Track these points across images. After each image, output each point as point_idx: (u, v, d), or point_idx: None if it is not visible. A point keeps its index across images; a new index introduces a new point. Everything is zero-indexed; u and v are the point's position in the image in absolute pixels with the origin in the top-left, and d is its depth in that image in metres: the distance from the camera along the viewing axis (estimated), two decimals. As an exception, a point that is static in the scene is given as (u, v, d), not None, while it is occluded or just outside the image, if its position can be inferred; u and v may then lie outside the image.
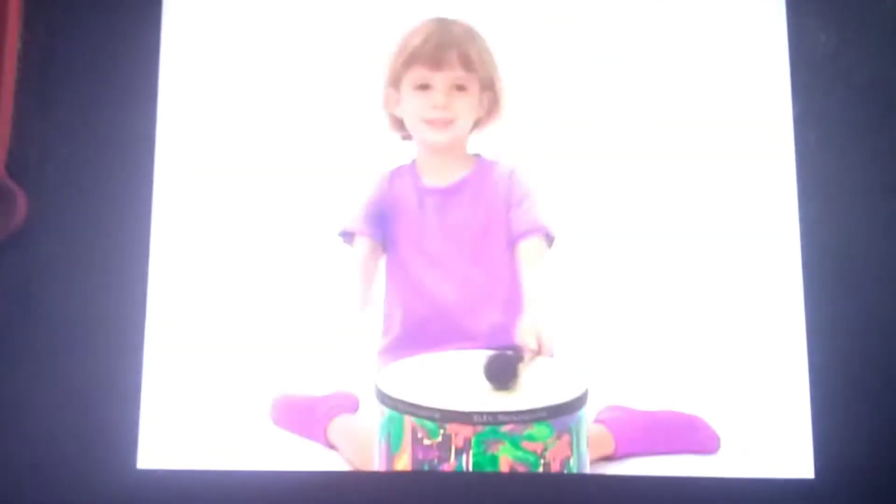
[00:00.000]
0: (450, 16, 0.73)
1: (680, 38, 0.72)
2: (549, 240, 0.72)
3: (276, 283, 0.73)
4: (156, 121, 0.73)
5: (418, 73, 0.71)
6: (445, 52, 0.71)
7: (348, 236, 0.74)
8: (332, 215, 0.74)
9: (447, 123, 0.71)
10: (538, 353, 0.65)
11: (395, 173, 0.75)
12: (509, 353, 0.64)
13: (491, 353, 0.64)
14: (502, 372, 0.62)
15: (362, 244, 0.73)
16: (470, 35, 0.72)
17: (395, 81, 0.73)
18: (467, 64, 0.71)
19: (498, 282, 0.72)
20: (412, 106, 0.71)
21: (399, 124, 0.74)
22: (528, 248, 0.72)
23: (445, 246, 0.72)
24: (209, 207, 0.74)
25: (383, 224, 0.73)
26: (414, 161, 0.75)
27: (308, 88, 0.75)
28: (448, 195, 0.73)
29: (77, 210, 0.71)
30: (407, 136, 0.75)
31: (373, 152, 0.75)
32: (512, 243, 0.72)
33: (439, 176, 0.74)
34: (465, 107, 0.72)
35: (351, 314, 0.72)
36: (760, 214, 0.69)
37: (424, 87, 0.71)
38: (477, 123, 0.74)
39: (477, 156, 0.75)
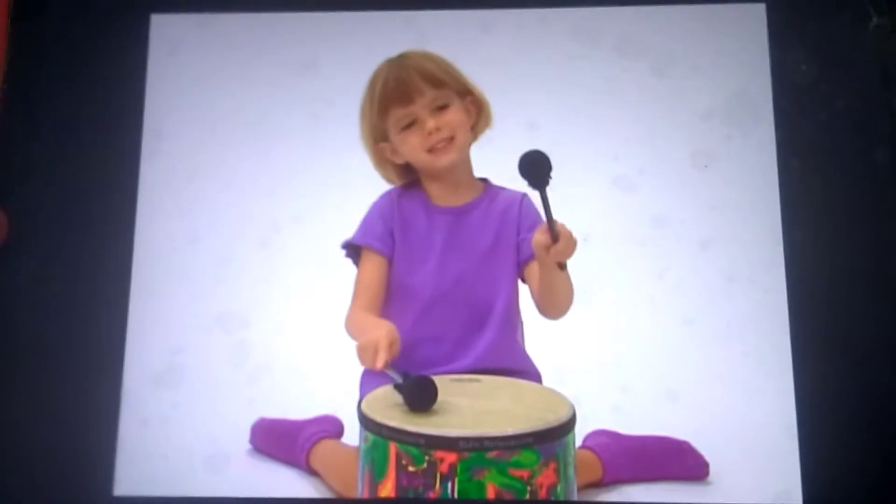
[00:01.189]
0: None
1: (665, 68, 0.73)
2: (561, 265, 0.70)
3: (258, 304, 0.72)
4: (140, 140, 0.72)
5: (397, 115, 0.70)
6: (409, 84, 0.70)
7: (353, 250, 0.72)
8: (321, 230, 0.73)
9: (448, 142, 0.70)
10: (557, 238, 0.62)
11: (405, 191, 0.74)
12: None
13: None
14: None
15: (369, 260, 0.71)
16: (424, 57, 0.71)
17: (381, 135, 0.72)
18: (435, 82, 0.70)
19: (497, 305, 0.71)
20: (409, 145, 0.70)
21: (403, 171, 0.73)
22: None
23: (450, 266, 0.71)
24: (192, 227, 0.73)
25: (391, 239, 0.72)
26: (420, 180, 0.74)
27: (297, 102, 0.75)
28: (458, 215, 0.72)
29: (59, 232, 0.70)
30: (414, 177, 0.74)
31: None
32: (520, 265, 0.71)
33: (449, 197, 0.73)
34: (456, 119, 0.71)
35: (354, 334, 0.69)
36: (745, 240, 0.69)
37: (410, 124, 0.70)
38: (473, 131, 0.73)
39: (484, 180, 0.74)
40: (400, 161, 0.73)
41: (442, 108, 0.71)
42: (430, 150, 0.70)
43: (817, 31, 0.70)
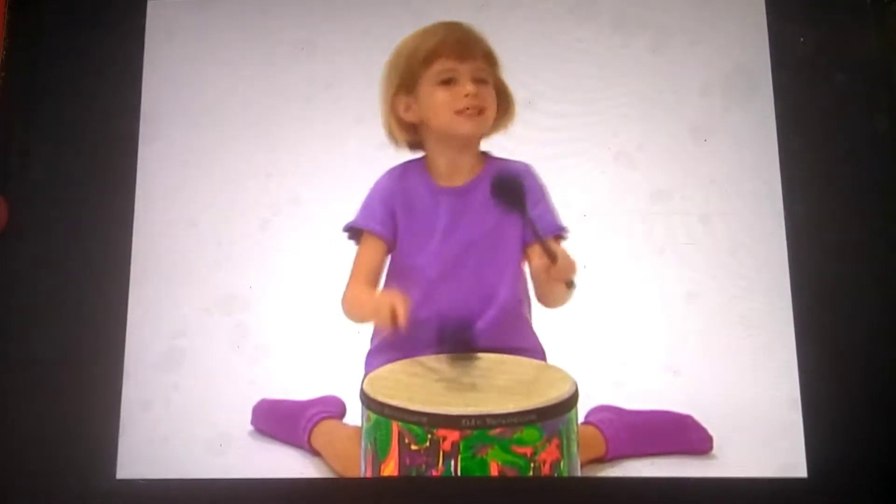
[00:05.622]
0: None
1: (662, 44, 0.70)
2: (559, 240, 0.68)
3: (257, 286, 0.69)
4: (139, 127, 0.70)
5: (442, 67, 0.67)
6: (469, 45, 0.68)
7: (354, 232, 0.69)
8: (319, 211, 0.70)
9: (479, 112, 0.68)
10: (555, 260, 0.61)
11: (406, 170, 0.70)
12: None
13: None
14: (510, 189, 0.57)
15: (369, 242, 0.68)
16: (483, 36, 0.69)
17: (408, 85, 0.68)
18: (488, 57, 0.68)
19: (500, 285, 0.68)
20: (440, 100, 0.67)
21: (409, 130, 0.70)
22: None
23: (455, 246, 0.68)
24: (191, 210, 0.70)
25: (393, 222, 0.68)
26: (422, 159, 0.71)
27: (294, 83, 0.72)
28: (461, 195, 0.69)
29: (59, 217, 0.67)
30: (414, 143, 0.71)
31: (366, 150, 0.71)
32: (523, 245, 0.68)
33: (452, 175, 0.70)
34: (490, 98, 0.68)
35: (353, 310, 0.67)
36: (746, 214, 0.66)
37: (449, 80, 0.67)
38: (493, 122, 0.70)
39: (486, 154, 0.71)
40: (411, 118, 0.69)
41: (482, 81, 0.68)
42: (458, 113, 0.67)
43: (815, 4, 0.67)
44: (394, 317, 0.62)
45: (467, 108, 0.67)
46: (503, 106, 0.69)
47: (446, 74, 0.67)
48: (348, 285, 0.68)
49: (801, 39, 0.67)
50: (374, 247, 0.68)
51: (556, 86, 0.70)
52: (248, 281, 0.69)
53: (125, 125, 0.69)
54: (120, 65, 0.71)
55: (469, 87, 0.67)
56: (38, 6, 0.71)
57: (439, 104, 0.67)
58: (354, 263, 0.69)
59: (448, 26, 0.68)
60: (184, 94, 0.71)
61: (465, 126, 0.67)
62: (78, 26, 0.71)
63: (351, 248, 0.70)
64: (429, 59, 0.67)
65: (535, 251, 0.61)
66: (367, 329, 0.69)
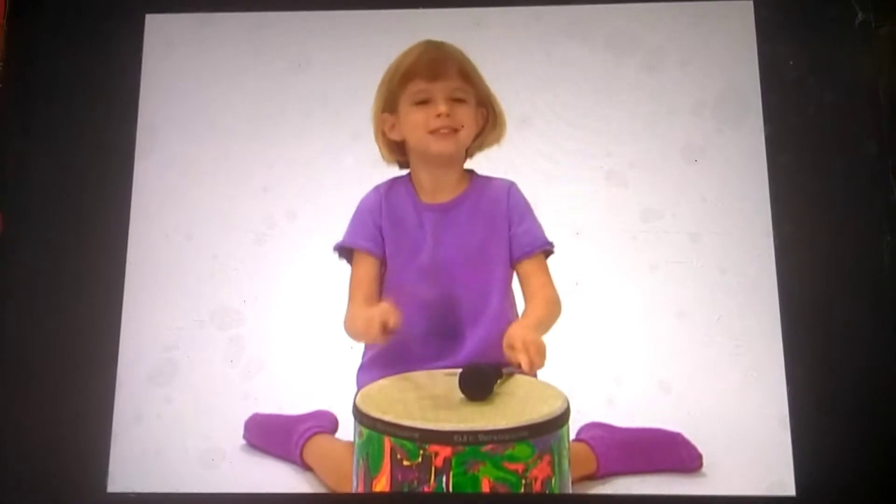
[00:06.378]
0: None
1: (655, 64, 0.70)
2: (548, 255, 0.69)
3: (252, 300, 0.69)
4: (135, 139, 0.70)
5: (416, 87, 0.68)
6: (442, 64, 0.68)
7: (345, 252, 0.69)
8: (314, 226, 0.70)
9: (452, 132, 0.68)
10: (526, 362, 0.61)
11: (391, 186, 0.71)
12: (486, 365, 0.61)
13: (469, 365, 0.60)
14: (477, 382, 0.58)
15: (361, 260, 0.68)
16: (462, 53, 0.70)
17: (391, 104, 0.69)
18: (464, 75, 0.69)
19: (489, 300, 0.68)
20: (414, 121, 0.68)
21: (396, 149, 0.71)
22: (532, 266, 0.68)
23: (441, 263, 0.68)
24: (186, 224, 0.70)
25: (380, 238, 0.69)
26: (409, 175, 0.71)
27: (290, 99, 0.72)
28: (446, 212, 0.69)
29: (54, 229, 0.67)
30: (404, 162, 0.71)
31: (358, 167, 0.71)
32: (511, 260, 0.68)
33: (437, 193, 0.70)
34: (467, 116, 0.68)
35: (356, 337, 0.67)
36: (735, 233, 0.67)
37: (424, 101, 0.68)
38: (477, 139, 0.70)
39: (471, 172, 0.71)
40: (395, 137, 0.70)
41: (458, 100, 0.68)
42: (432, 132, 0.67)
43: (804, 27, 0.68)
44: (384, 328, 0.62)
45: (440, 129, 0.67)
46: (490, 120, 0.70)
47: (421, 95, 0.68)
48: (347, 307, 0.68)
49: (791, 61, 0.68)
50: (367, 264, 0.68)
51: (549, 104, 0.71)
52: (242, 295, 0.68)
53: (122, 137, 0.69)
54: (118, 77, 0.71)
55: (442, 108, 0.67)
56: (36, 18, 0.71)
57: (414, 124, 0.68)
58: (350, 284, 0.68)
59: (424, 46, 0.69)
60: (181, 107, 0.72)
61: (437, 145, 0.68)
62: (76, 39, 0.71)
63: (345, 263, 0.70)
64: (404, 80, 0.68)
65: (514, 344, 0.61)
66: (361, 345, 0.68)
